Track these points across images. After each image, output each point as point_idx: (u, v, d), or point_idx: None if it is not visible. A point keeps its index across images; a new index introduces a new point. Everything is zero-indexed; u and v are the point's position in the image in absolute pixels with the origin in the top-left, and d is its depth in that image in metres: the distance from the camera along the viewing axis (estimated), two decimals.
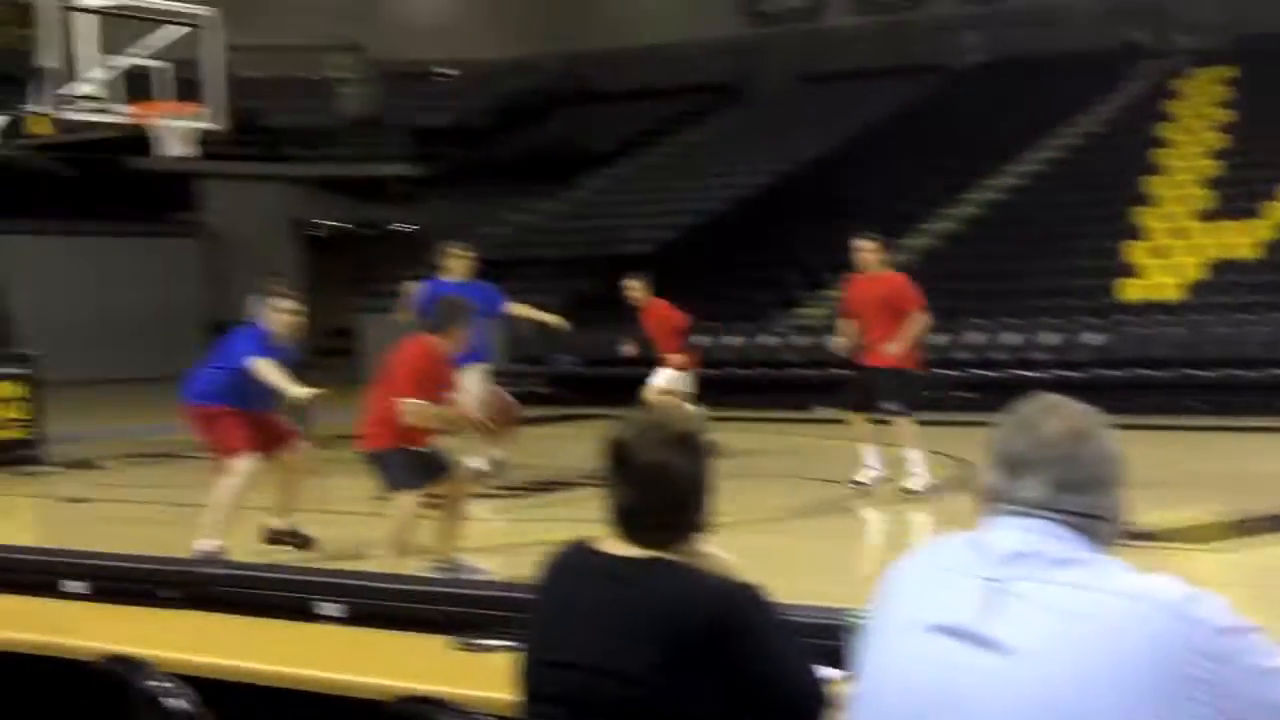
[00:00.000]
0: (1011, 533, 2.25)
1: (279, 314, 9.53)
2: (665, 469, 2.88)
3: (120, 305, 26.04)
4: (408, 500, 8.83)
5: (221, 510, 9.35)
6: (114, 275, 26.89)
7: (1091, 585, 2.17)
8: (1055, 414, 2.31)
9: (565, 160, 30.58)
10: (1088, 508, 2.25)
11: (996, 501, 2.30)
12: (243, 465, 9.39)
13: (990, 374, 18.84)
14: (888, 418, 11.92)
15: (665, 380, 13.67)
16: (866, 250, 12.27)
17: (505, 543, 10.20)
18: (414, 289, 13.11)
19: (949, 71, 29.96)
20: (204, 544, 9.21)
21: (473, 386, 11.89)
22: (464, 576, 8.60)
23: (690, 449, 2.92)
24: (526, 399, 21.64)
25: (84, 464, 14.29)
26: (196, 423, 9.63)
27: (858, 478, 12.07)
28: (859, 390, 11.86)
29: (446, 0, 36.46)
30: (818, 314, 21.63)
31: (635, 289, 13.98)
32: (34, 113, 13.89)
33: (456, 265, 12.91)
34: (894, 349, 11.76)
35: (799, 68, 32.05)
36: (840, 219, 24.47)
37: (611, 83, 33.60)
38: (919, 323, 12.02)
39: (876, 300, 12.01)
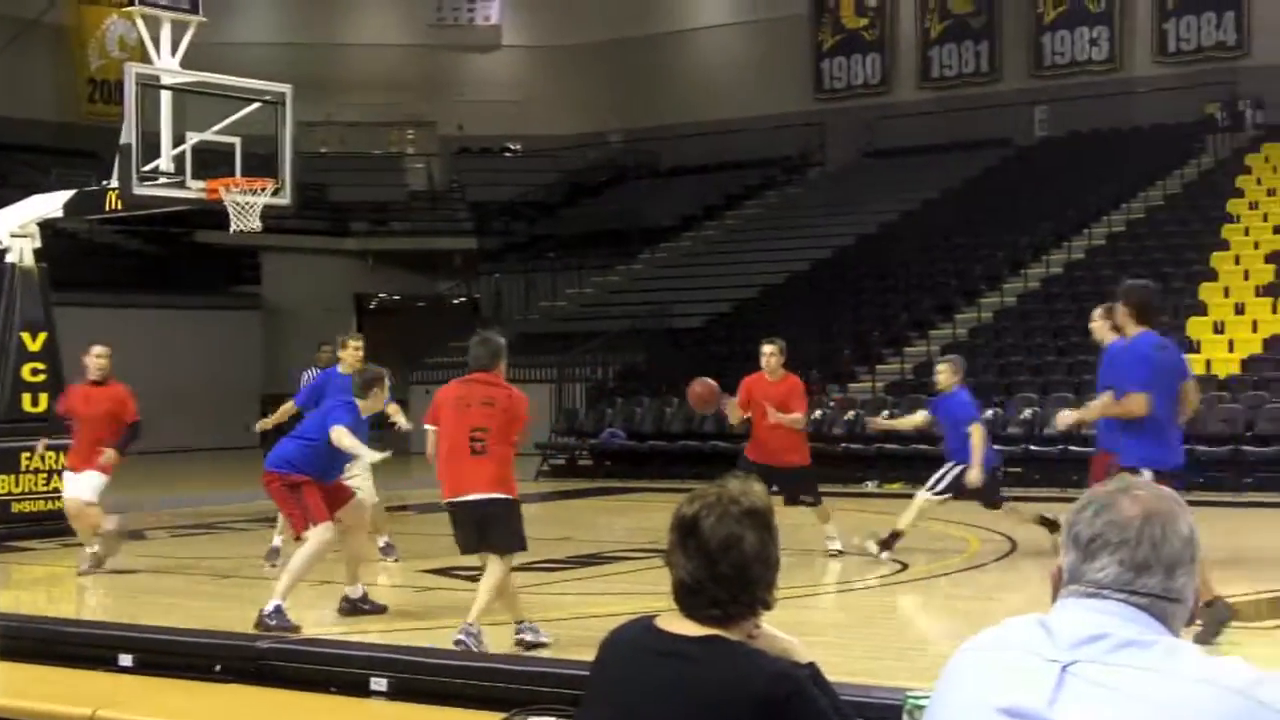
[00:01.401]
0: (1083, 614, 2.24)
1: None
2: (737, 543, 2.83)
3: (179, 377, 26.33)
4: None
5: (296, 576, 9.49)
6: (175, 347, 27.22)
7: (1160, 669, 2.15)
8: (1131, 495, 2.30)
9: (626, 235, 30.83)
10: (1161, 590, 2.24)
11: (1070, 583, 2.29)
12: (321, 533, 9.56)
13: (1040, 449, 18.74)
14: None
15: None
16: (769, 354, 13.17)
17: (543, 617, 10.24)
18: (305, 377, 13.27)
19: (1015, 146, 30.09)
20: (274, 603, 9.35)
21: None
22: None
23: (761, 525, 2.88)
24: (573, 471, 21.87)
25: (130, 535, 14.46)
26: (277, 491, 9.81)
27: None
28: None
29: (515, 77, 36.99)
30: (868, 388, 21.64)
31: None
32: (114, 188, 14.19)
33: (349, 356, 12.44)
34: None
35: (865, 142, 32.26)
36: (895, 294, 24.61)
37: (676, 158, 33.96)
38: (799, 423, 12.96)
39: (772, 401, 12.75)
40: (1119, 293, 9.26)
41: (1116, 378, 8.95)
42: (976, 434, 12.51)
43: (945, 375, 13.10)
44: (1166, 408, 8.73)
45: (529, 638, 8.89)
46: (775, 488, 11.40)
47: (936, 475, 12.88)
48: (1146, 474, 7.70)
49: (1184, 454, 9.07)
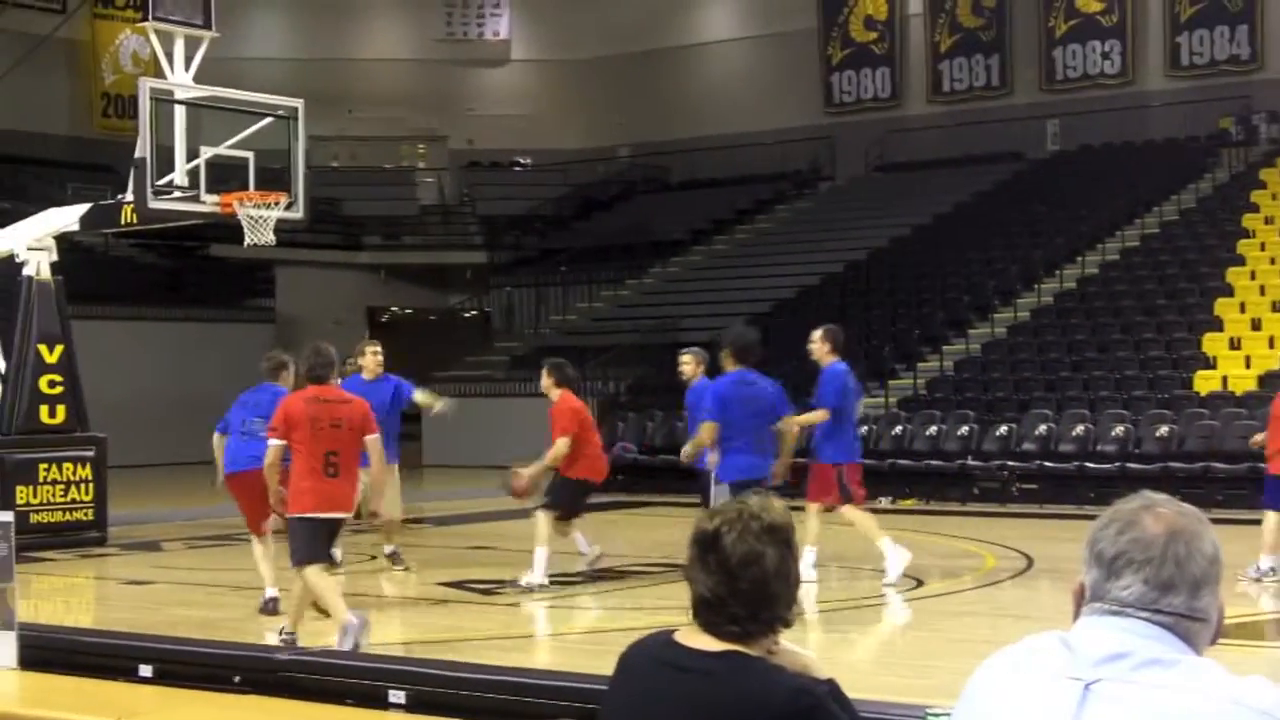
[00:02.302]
0: (1106, 633, 2.23)
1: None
2: (757, 560, 2.83)
3: (194, 389, 26.41)
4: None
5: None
6: (190, 359, 27.28)
7: (1184, 687, 2.14)
8: (1155, 512, 2.27)
9: (637, 249, 30.87)
10: (1186, 609, 2.22)
11: (1093, 600, 2.27)
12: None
13: (1055, 465, 18.72)
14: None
15: None
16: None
17: (557, 630, 10.25)
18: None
19: (1027, 160, 30.11)
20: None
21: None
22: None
23: (782, 541, 2.88)
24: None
25: (147, 546, 14.53)
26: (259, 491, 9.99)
27: None
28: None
29: (526, 92, 37.10)
30: (882, 403, 21.62)
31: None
32: (129, 202, 14.24)
33: (369, 362, 13.09)
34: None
35: (875, 156, 32.30)
36: (907, 309, 24.60)
37: (686, 172, 34.02)
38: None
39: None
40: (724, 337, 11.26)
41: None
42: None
43: (689, 367, 12.86)
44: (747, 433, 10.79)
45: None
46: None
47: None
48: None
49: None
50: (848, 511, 12.12)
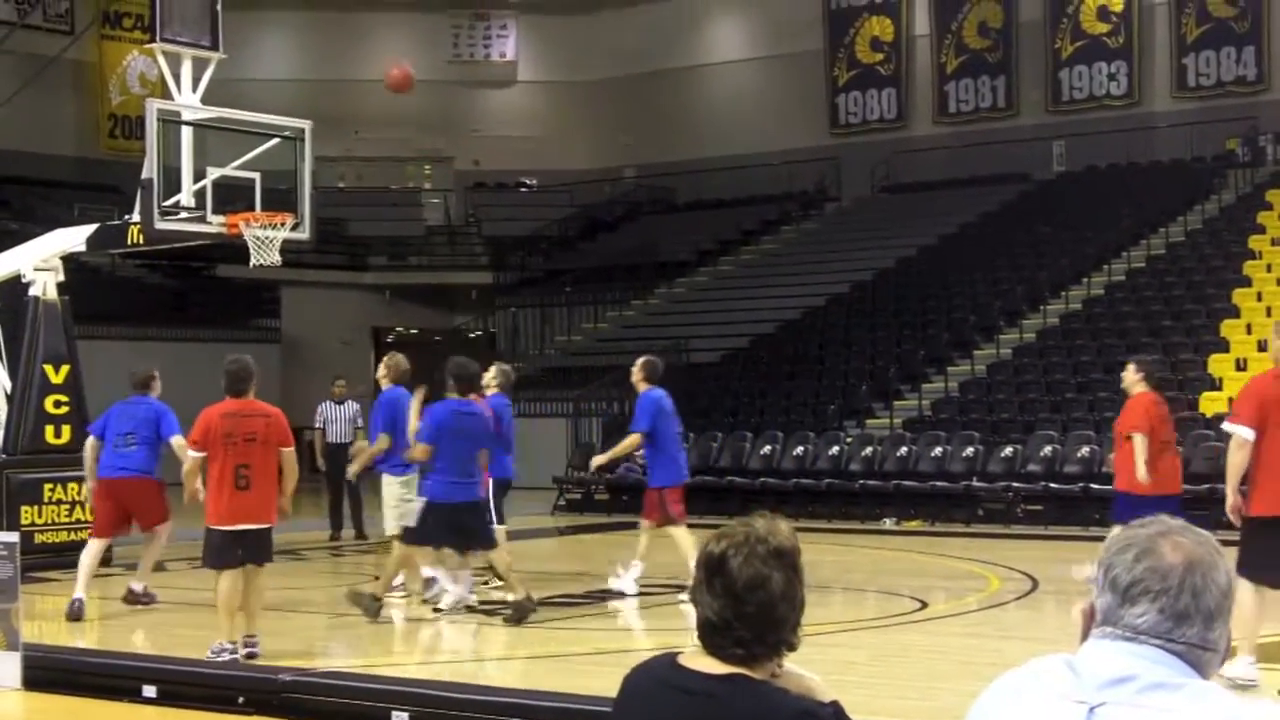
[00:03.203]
0: (1112, 656, 2.22)
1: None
2: (763, 583, 2.82)
3: (198, 409, 26.49)
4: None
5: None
6: (196, 379, 27.17)
7: (1189, 711, 2.14)
8: (1173, 540, 2.25)
9: (642, 269, 30.90)
10: (1199, 640, 2.21)
11: (1104, 624, 2.26)
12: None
13: (1060, 487, 18.69)
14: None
15: None
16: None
17: (561, 651, 10.23)
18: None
19: (1033, 181, 30.13)
20: None
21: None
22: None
23: (788, 565, 2.86)
24: (589, 506, 21.85)
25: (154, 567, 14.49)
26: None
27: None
28: None
29: (531, 113, 37.20)
30: (886, 424, 21.62)
31: None
32: (136, 223, 14.27)
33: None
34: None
35: (881, 177, 32.34)
36: (912, 330, 24.60)
37: (692, 193, 34.08)
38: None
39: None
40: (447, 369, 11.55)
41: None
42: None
43: (489, 376, 13.07)
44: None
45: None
46: None
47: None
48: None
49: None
50: (672, 531, 12.61)
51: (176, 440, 11.76)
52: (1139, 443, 11.65)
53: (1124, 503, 11.84)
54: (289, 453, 9.75)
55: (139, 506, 12.14)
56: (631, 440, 12.80)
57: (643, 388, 12.83)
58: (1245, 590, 8.72)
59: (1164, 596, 2.21)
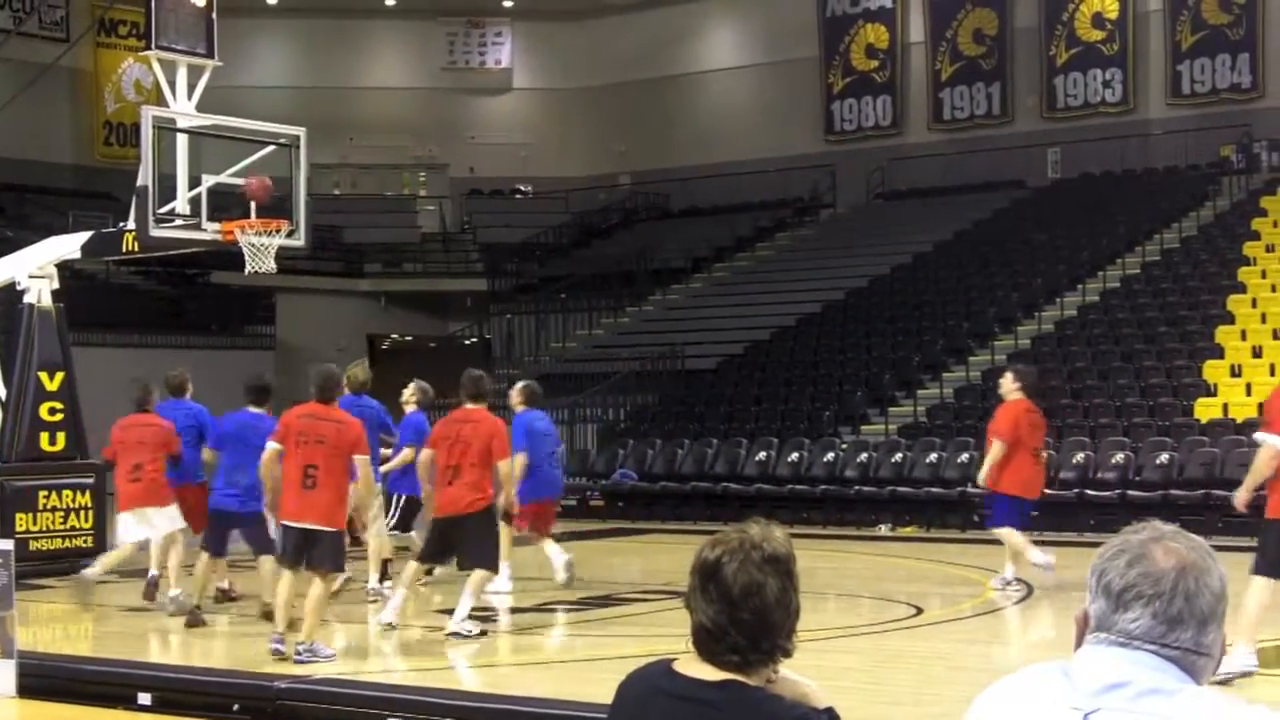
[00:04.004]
0: (1107, 662, 2.22)
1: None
2: (758, 590, 2.81)
3: None
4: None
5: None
6: (191, 386, 27.31)
7: (1185, 717, 2.14)
8: (1165, 545, 2.25)
9: (637, 276, 30.92)
10: (1193, 644, 2.21)
11: (1098, 630, 2.26)
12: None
13: (1055, 493, 18.67)
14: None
15: None
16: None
17: (557, 658, 10.23)
18: None
19: (1028, 188, 30.15)
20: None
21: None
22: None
23: (783, 572, 2.86)
24: (584, 512, 21.86)
25: (146, 573, 14.48)
26: None
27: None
28: None
29: (526, 120, 37.21)
30: (881, 430, 21.62)
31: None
32: (131, 230, 14.26)
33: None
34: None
35: (876, 184, 32.36)
36: (907, 337, 24.61)
37: (687, 199, 34.09)
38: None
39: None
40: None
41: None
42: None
43: (408, 393, 13.70)
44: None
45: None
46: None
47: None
48: None
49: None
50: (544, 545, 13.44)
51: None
52: (997, 448, 12.59)
53: (993, 503, 12.97)
54: (362, 459, 9.94)
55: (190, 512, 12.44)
56: (518, 462, 12.43)
57: (520, 410, 13.43)
58: (1264, 588, 9.05)
59: (1157, 601, 2.21)
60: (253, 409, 11.52)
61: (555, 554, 13.36)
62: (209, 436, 12.45)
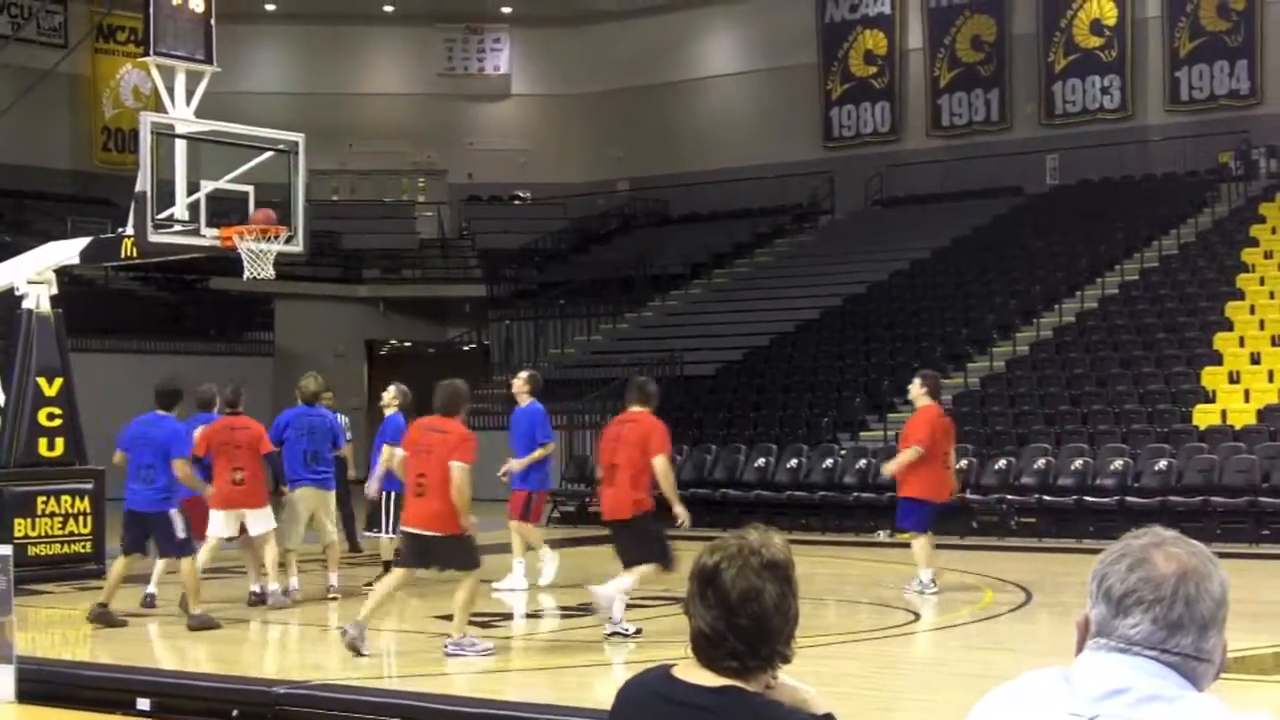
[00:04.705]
0: (1107, 668, 2.21)
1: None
2: (756, 596, 2.82)
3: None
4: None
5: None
6: (188, 393, 27.33)
7: None
8: (1166, 550, 2.24)
9: (636, 282, 30.93)
10: (1193, 650, 2.20)
11: (1098, 635, 2.25)
12: None
13: (1053, 499, 18.69)
14: None
15: None
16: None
17: (557, 663, 10.23)
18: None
19: (1026, 194, 30.17)
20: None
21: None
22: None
23: (782, 577, 2.85)
24: (583, 519, 21.84)
25: (145, 579, 14.49)
26: None
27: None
28: None
29: (525, 126, 37.23)
30: (880, 436, 21.61)
31: None
32: (129, 236, 14.26)
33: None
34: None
35: (875, 190, 32.38)
36: (906, 343, 24.62)
37: (686, 206, 34.10)
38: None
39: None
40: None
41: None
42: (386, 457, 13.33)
43: (388, 397, 14.31)
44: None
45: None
46: None
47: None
48: None
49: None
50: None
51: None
52: (912, 453, 13.09)
53: (904, 508, 13.44)
54: (455, 466, 10.15)
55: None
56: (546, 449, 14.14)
57: (528, 401, 14.16)
58: None
59: (1157, 606, 2.20)
60: (160, 411, 11.83)
61: (549, 557, 14.02)
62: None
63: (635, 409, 11.30)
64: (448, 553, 10.32)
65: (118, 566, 11.92)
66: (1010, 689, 2.30)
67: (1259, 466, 17.88)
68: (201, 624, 11.41)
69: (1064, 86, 31.10)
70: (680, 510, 11.41)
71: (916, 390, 13.53)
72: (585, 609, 12.34)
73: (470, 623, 10.59)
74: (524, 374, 14.65)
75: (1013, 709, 2.27)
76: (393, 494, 13.67)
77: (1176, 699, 2.16)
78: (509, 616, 12.60)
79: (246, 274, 14.31)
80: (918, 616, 12.27)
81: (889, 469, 13.85)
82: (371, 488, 14.07)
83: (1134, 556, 2.25)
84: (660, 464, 10.93)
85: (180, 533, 11.53)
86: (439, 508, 10.11)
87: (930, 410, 13.43)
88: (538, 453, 14.01)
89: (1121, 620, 2.22)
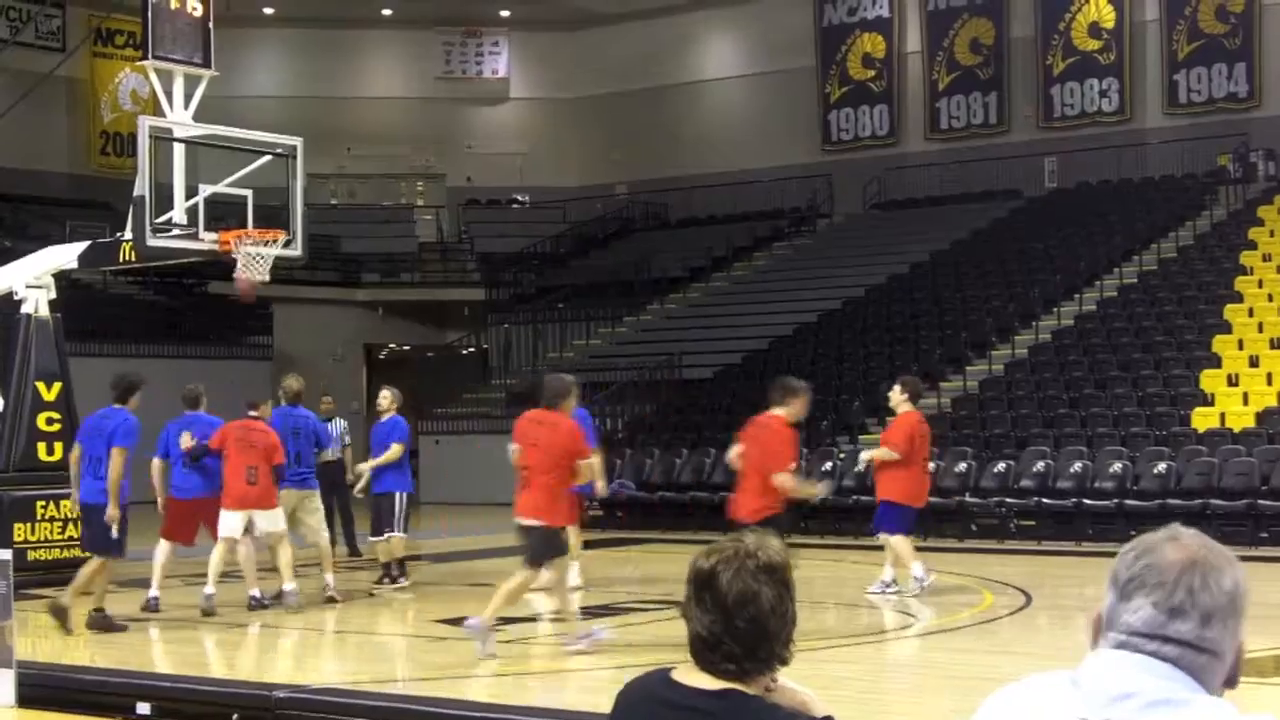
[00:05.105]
0: (1114, 671, 2.18)
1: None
2: (753, 599, 2.80)
3: None
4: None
5: None
6: None
7: None
8: (1179, 543, 2.22)
9: (635, 285, 30.94)
10: (1194, 638, 2.17)
11: (1108, 628, 2.22)
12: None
13: (1052, 502, 18.70)
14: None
15: None
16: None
17: (556, 668, 10.23)
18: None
19: (1024, 197, 30.18)
20: None
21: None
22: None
23: (779, 580, 2.85)
24: (582, 522, 21.84)
25: (144, 583, 14.50)
26: None
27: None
28: None
29: (523, 130, 37.25)
30: (878, 440, 21.59)
31: None
32: (128, 240, 14.27)
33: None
34: None
35: (873, 194, 32.40)
36: (905, 346, 24.63)
37: (684, 209, 34.13)
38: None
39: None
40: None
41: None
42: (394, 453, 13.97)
43: (386, 401, 14.42)
44: None
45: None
46: None
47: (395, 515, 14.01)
48: None
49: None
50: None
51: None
52: (885, 453, 13.38)
53: (883, 511, 13.50)
54: (583, 463, 10.47)
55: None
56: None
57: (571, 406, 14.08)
58: None
59: (1159, 590, 2.18)
60: (115, 405, 11.91)
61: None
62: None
63: (775, 411, 11.58)
64: (529, 540, 10.33)
65: (87, 569, 11.81)
66: (1016, 691, 2.29)
67: (1258, 469, 17.89)
68: (102, 625, 11.42)
69: (1062, 89, 31.13)
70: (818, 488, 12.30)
71: (897, 396, 13.61)
72: (602, 610, 12.35)
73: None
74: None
75: (1019, 712, 2.25)
76: (399, 494, 13.76)
77: (1186, 703, 2.14)
78: (533, 619, 12.58)
79: (237, 273, 14.30)
80: (917, 619, 12.26)
81: (866, 455, 14.30)
82: (361, 485, 14.31)
83: (1144, 546, 2.24)
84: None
85: (114, 533, 11.45)
86: (539, 499, 10.19)
87: (910, 416, 13.51)
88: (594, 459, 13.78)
89: (1125, 605, 2.20)
